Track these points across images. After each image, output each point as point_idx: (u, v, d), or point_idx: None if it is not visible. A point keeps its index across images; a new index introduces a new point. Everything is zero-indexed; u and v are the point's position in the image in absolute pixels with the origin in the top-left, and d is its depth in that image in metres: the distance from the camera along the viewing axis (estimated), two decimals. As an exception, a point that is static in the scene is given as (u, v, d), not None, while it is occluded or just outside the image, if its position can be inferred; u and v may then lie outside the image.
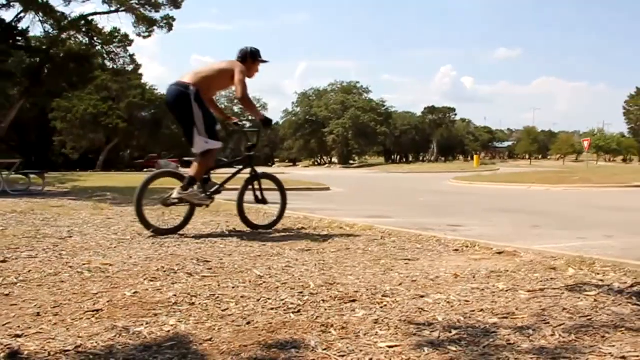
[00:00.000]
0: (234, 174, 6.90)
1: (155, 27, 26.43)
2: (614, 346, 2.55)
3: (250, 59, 6.49)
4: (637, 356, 2.42)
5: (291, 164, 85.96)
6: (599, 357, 2.42)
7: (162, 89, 65.49)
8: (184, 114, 6.16)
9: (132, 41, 30.87)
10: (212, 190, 6.51)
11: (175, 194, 6.24)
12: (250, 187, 6.81)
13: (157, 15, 26.32)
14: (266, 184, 7.00)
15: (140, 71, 52.11)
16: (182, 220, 6.46)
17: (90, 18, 27.15)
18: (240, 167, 6.87)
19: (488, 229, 8.23)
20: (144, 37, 27.39)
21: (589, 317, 3.01)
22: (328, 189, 19.72)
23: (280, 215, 6.98)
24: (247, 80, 6.38)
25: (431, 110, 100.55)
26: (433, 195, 17.68)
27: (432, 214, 10.99)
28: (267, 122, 6.55)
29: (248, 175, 6.83)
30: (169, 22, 26.50)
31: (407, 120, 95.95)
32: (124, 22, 46.00)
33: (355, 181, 29.40)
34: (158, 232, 6.09)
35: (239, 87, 6.24)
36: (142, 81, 58.27)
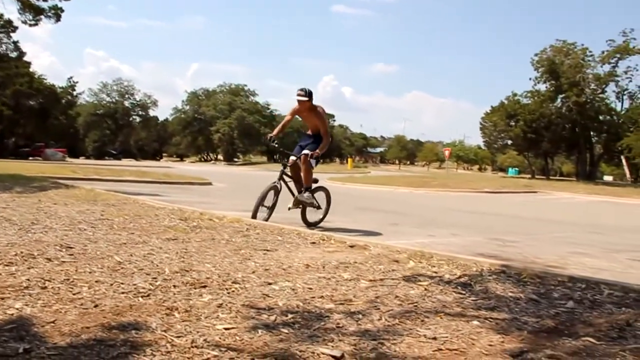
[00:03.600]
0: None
1: (42, 16, 24.83)
2: (429, 329, 2.70)
3: None
4: (446, 337, 2.58)
5: (178, 159, 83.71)
6: (414, 339, 2.55)
7: (52, 79, 61.99)
8: None
9: (16, 27, 29.06)
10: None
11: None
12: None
13: (44, 5, 24.75)
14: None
15: (28, 59, 48.95)
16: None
17: (-31, 0, 25.27)
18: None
19: (351, 225, 8.44)
20: (30, 25, 25.67)
21: (415, 304, 3.16)
22: (210, 183, 19.41)
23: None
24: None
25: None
26: (308, 193, 17.83)
27: (303, 210, 11.08)
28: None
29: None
30: (57, 13, 24.97)
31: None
32: (8, 8, 42.90)
33: (237, 178, 29.08)
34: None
35: None
36: (31, 69, 54.67)
